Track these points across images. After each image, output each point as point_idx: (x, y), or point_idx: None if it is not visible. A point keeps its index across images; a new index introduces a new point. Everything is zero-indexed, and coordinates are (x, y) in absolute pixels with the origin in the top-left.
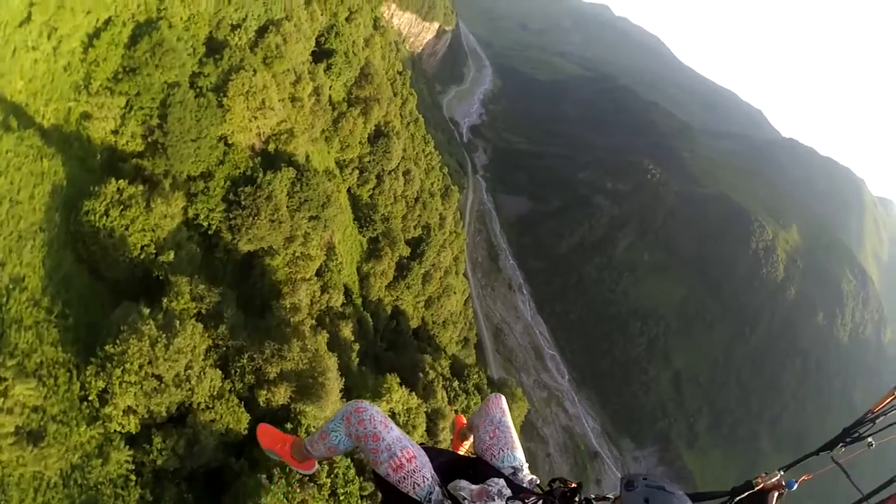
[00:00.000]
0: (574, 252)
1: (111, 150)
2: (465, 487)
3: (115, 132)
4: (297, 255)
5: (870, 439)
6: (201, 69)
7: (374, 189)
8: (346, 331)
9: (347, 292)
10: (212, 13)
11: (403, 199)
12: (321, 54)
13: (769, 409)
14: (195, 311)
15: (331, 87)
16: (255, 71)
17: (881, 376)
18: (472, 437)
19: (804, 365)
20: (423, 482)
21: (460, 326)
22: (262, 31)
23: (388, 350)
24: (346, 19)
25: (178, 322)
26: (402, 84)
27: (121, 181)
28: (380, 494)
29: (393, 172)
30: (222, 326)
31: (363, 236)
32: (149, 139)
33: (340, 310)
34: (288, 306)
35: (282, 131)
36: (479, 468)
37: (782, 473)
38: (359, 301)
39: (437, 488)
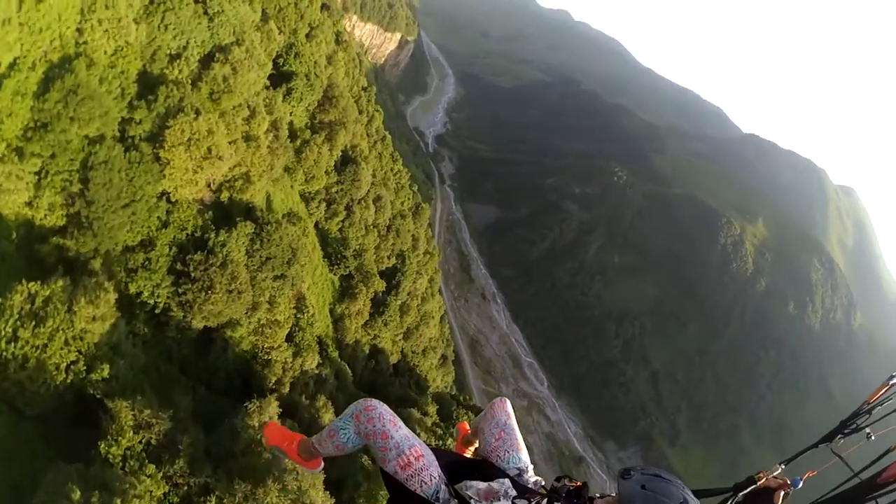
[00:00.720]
0: (545, 258)
1: (27, 227)
2: (472, 486)
3: (28, 204)
4: (262, 322)
5: (867, 430)
6: (132, 114)
7: (343, 221)
8: (322, 400)
9: (322, 345)
10: (144, 43)
11: (375, 229)
12: (280, 77)
13: (747, 401)
14: (142, 445)
15: (291, 113)
16: (197, 112)
17: (854, 360)
18: (476, 442)
19: (778, 355)
20: (431, 480)
21: (439, 351)
22: (207, 61)
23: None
24: (307, 36)
25: (122, 480)
26: (368, 101)
27: (32, 284)
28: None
29: (363, 201)
30: (179, 461)
31: (335, 274)
32: (70, 210)
33: (316, 371)
34: (256, 423)
35: (236, 177)
36: (485, 469)
37: (783, 467)
38: (335, 353)
39: (443, 487)
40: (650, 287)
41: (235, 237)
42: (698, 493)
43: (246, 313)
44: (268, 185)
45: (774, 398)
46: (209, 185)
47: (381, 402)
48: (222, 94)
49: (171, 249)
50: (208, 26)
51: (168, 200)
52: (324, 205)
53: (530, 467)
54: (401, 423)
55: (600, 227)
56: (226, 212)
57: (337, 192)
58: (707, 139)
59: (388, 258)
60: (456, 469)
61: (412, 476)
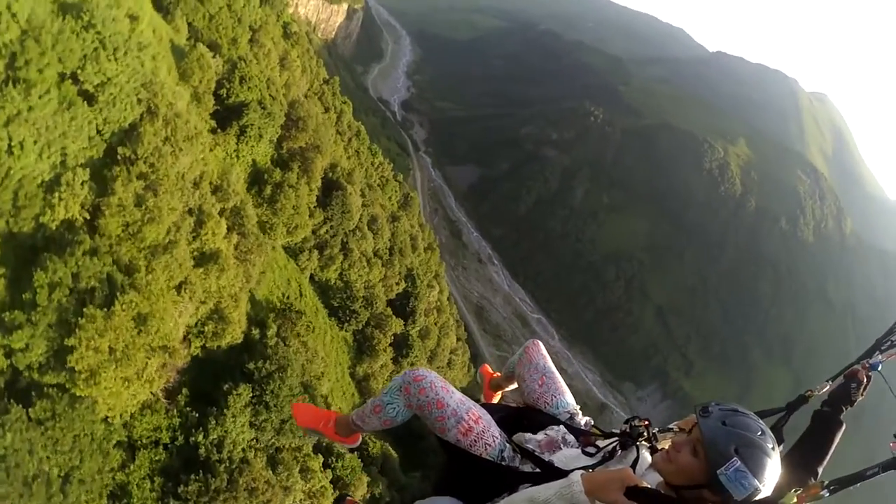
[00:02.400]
0: (534, 211)
1: None
2: (530, 439)
3: None
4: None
5: None
6: (9, 341)
7: (342, 264)
8: None
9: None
10: None
11: (378, 259)
12: (227, 114)
13: (752, 321)
14: None
15: (252, 160)
16: (109, 301)
17: (849, 267)
18: (507, 386)
19: (776, 272)
20: (494, 441)
21: (461, 350)
22: (101, 181)
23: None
24: (251, 42)
25: None
26: (332, 94)
27: None
28: (443, 466)
29: (357, 230)
30: None
31: (346, 331)
32: None
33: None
34: None
35: (203, 321)
36: (534, 418)
37: (829, 384)
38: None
39: (507, 445)
40: (642, 222)
41: (232, 426)
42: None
43: None
44: (247, 299)
45: (777, 314)
46: (164, 375)
47: (429, 369)
48: (142, 226)
49: (152, 484)
50: (90, 122)
51: (107, 423)
52: (315, 253)
53: (579, 409)
54: (453, 388)
55: (583, 169)
56: (207, 377)
57: (327, 231)
58: (672, 62)
59: (397, 283)
60: (507, 422)
61: (475, 441)
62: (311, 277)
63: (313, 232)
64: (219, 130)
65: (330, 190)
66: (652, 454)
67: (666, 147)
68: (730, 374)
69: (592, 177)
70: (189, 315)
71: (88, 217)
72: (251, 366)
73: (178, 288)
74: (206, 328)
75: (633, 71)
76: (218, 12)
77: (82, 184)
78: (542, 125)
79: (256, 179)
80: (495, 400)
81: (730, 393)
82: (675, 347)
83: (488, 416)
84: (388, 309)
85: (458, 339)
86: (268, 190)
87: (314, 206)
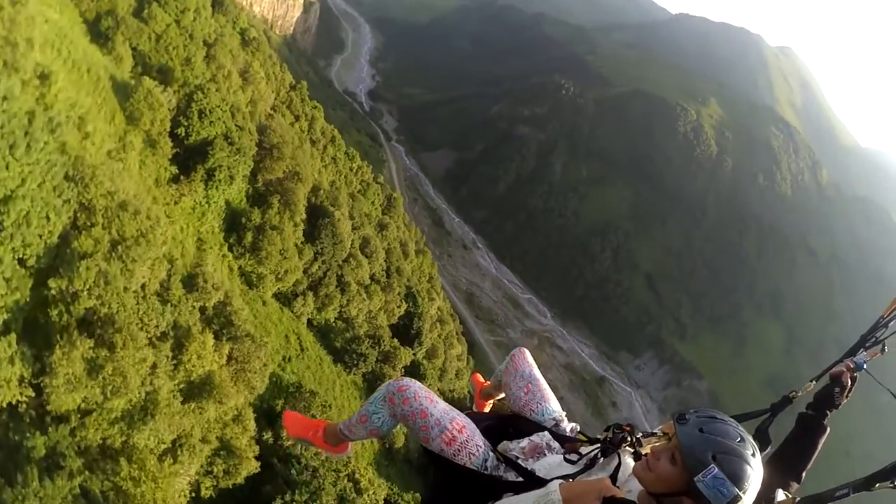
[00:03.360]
0: (513, 190)
1: None
2: (515, 446)
3: None
4: None
5: (883, 345)
6: None
7: (340, 300)
8: None
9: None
10: None
11: (377, 284)
12: (190, 156)
13: (740, 279)
14: None
15: (226, 202)
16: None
17: (828, 217)
18: (497, 395)
19: (759, 229)
20: (478, 450)
21: (464, 358)
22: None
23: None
24: (207, 59)
25: None
26: (301, 100)
27: None
28: (433, 479)
29: (351, 258)
30: None
31: (354, 374)
32: None
33: None
34: None
35: (215, 471)
36: (517, 424)
37: (814, 383)
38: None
39: (490, 454)
40: (623, 191)
41: None
42: (739, 418)
43: None
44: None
45: (764, 269)
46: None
47: (413, 380)
48: (104, 401)
49: None
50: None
51: None
52: (310, 295)
53: (564, 415)
54: (437, 398)
55: (560, 143)
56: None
57: (319, 267)
58: (637, 27)
59: (398, 306)
60: (491, 431)
61: (459, 450)
62: (309, 322)
63: (304, 271)
64: (182, 178)
65: (316, 218)
66: (636, 460)
67: (639, 114)
68: (723, 333)
69: (569, 150)
70: (191, 473)
71: (33, 395)
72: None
73: (172, 450)
74: (214, 468)
75: (598, 39)
76: (165, 31)
77: (11, 359)
78: (513, 103)
79: (233, 225)
80: (487, 409)
81: (724, 351)
82: (667, 313)
83: (472, 426)
84: (395, 340)
85: (457, 334)
86: (248, 237)
87: (302, 242)
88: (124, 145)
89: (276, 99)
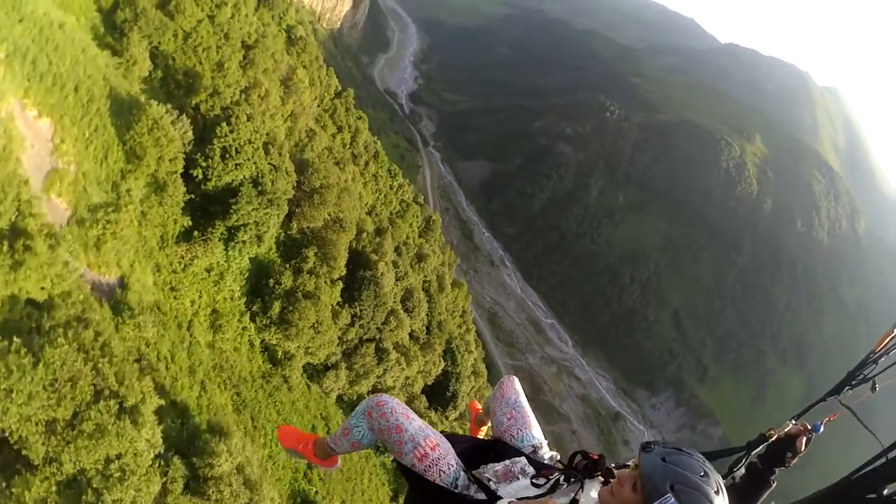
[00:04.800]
0: (548, 209)
1: None
2: (488, 469)
3: None
4: None
5: (874, 381)
6: None
7: (377, 370)
8: None
9: None
10: None
11: (416, 345)
12: (206, 203)
13: (768, 324)
14: None
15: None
16: None
17: (862, 267)
18: (489, 421)
19: (791, 274)
20: (449, 469)
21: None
22: None
23: None
24: (243, 63)
25: None
26: (346, 110)
27: None
28: (406, 485)
29: (392, 318)
30: None
31: (384, 456)
32: None
33: None
34: None
35: None
36: (499, 450)
37: (793, 422)
38: None
39: (462, 473)
40: (658, 222)
41: None
42: (714, 455)
43: None
44: None
45: (792, 317)
46: None
47: (392, 396)
48: None
49: None
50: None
51: None
52: (343, 368)
53: (544, 443)
54: (414, 415)
55: (599, 166)
56: None
57: (356, 333)
58: (685, 52)
59: (436, 364)
60: (472, 453)
61: (430, 466)
62: (339, 398)
63: (339, 338)
64: (196, 234)
65: (356, 268)
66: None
67: (683, 144)
68: (744, 378)
69: (608, 174)
70: None
71: None
72: None
73: None
74: None
75: (647, 61)
76: (195, 28)
77: None
78: (556, 119)
79: (258, 286)
80: (480, 434)
81: (743, 397)
82: (690, 352)
83: (447, 445)
84: (430, 412)
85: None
86: (276, 307)
87: (339, 304)
88: (119, 195)
89: (318, 106)
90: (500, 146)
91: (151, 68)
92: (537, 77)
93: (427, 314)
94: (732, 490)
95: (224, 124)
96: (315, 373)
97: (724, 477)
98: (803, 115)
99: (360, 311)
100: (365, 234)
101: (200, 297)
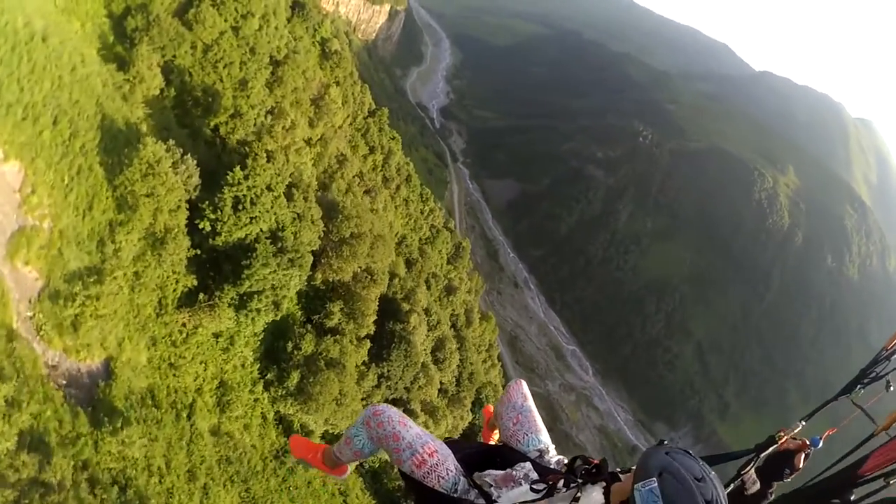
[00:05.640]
0: (575, 232)
1: None
2: (490, 474)
3: None
4: None
5: (888, 379)
6: None
7: None
8: None
9: None
10: None
11: (445, 400)
12: (216, 258)
13: (792, 363)
14: None
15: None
16: None
17: (891, 306)
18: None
19: (819, 311)
20: (447, 474)
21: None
22: None
23: None
24: (271, 82)
25: None
26: (379, 129)
27: None
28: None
29: (421, 374)
30: None
31: None
32: None
33: None
34: None
35: None
36: (506, 455)
37: (804, 424)
38: None
39: (462, 479)
40: (686, 251)
41: None
42: (723, 458)
43: None
44: None
45: (818, 356)
46: None
47: (390, 405)
48: None
49: None
50: None
51: None
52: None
53: (551, 447)
54: (411, 423)
55: (628, 191)
56: None
57: (383, 395)
58: (718, 78)
59: (463, 419)
60: (476, 459)
61: (428, 473)
62: (359, 466)
63: (363, 400)
64: (202, 297)
65: (384, 317)
66: (605, 495)
67: (715, 173)
68: (766, 416)
69: (637, 200)
70: None
71: None
72: None
73: None
74: None
75: (680, 86)
76: (217, 41)
77: None
78: (587, 142)
79: (274, 349)
80: (493, 439)
81: (764, 437)
82: (712, 388)
83: (446, 451)
84: None
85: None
86: (293, 378)
87: (365, 363)
88: (105, 257)
89: (351, 125)
90: (529, 166)
91: (164, 86)
92: (570, 98)
93: (458, 365)
94: (740, 496)
95: (238, 168)
96: (334, 439)
97: (732, 479)
98: (836, 147)
99: (388, 370)
100: (397, 280)
101: (205, 368)
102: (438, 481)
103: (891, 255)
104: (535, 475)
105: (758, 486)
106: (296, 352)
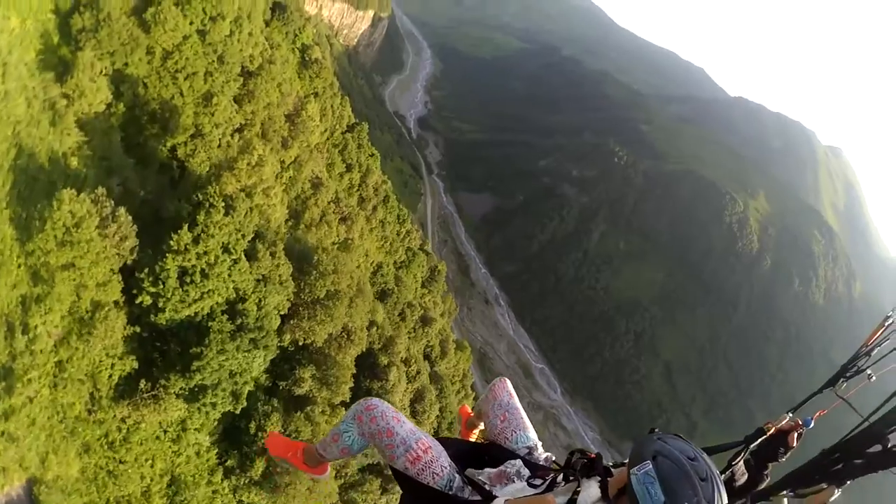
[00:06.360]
0: (547, 250)
1: None
2: (483, 472)
3: None
4: None
5: (869, 371)
6: None
7: (384, 490)
8: None
9: None
10: None
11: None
12: (159, 336)
13: (759, 384)
14: None
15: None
16: None
17: (855, 330)
18: (480, 424)
19: (785, 334)
20: (442, 471)
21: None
22: None
23: None
24: (240, 98)
25: None
26: (358, 145)
27: None
28: (399, 490)
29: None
30: None
31: None
32: None
33: None
34: None
35: None
36: (494, 452)
37: (790, 416)
38: None
39: (456, 476)
40: (657, 273)
41: None
42: (712, 450)
43: None
44: None
45: (783, 378)
46: None
47: (382, 400)
48: None
49: None
50: None
51: None
52: None
53: (539, 444)
54: (404, 419)
55: (602, 211)
56: None
57: (356, 472)
58: (694, 101)
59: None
60: (466, 456)
61: (423, 469)
62: None
63: (337, 473)
64: (143, 385)
65: (361, 373)
66: (602, 487)
67: (688, 196)
68: (732, 438)
69: (611, 220)
70: None
71: None
72: None
73: None
74: None
75: (657, 108)
76: (179, 47)
77: None
78: (562, 159)
79: (234, 432)
80: (472, 439)
81: (729, 455)
82: (679, 408)
83: (439, 448)
84: None
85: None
86: (258, 466)
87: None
88: (14, 350)
89: (328, 140)
90: (504, 181)
91: (111, 100)
92: (548, 114)
93: (437, 416)
94: (729, 487)
95: (185, 230)
96: None
97: (722, 471)
98: (806, 174)
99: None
100: (374, 329)
101: (153, 466)
102: (433, 478)
103: (856, 281)
104: (526, 472)
105: (746, 477)
106: (260, 434)
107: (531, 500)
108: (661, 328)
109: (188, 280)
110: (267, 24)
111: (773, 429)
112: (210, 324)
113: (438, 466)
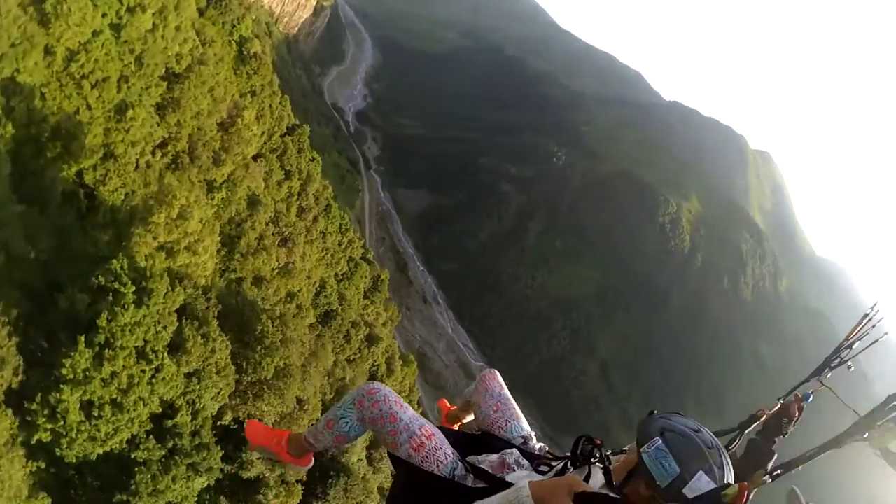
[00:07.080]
0: (485, 248)
1: None
2: (484, 460)
3: None
4: None
5: (849, 363)
6: None
7: None
8: None
9: None
10: None
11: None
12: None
13: (691, 378)
14: None
15: None
16: None
17: (781, 325)
18: (465, 418)
19: (715, 330)
20: (446, 459)
21: None
22: None
23: None
24: (162, 109)
25: None
26: (298, 150)
27: None
28: (396, 479)
29: (362, 492)
30: None
31: None
32: None
33: None
34: None
35: None
36: (488, 442)
37: (781, 402)
38: None
39: (459, 463)
40: (592, 271)
41: None
42: None
43: None
44: None
45: (713, 371)
46: None
47: (383, 384)
48: None
49: None
50: None
51: None
52: None
53: (533, 434)
54: (406, 405)
55: (540, 210)
56: None
57: None
58: (632, 105)
59: None
60: (459, 446)
61: (427, 457)
62: None
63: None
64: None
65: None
66: (605, 474)
67: (623, 197)
68: None
69: (548, 219)
70: None
71: None
72: None
73: None
74: None
75: (596, 110)
76: (87, 45)
77: None
78: (502, 157)
79: None
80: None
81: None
82: (616, 402)
83: (442, 436)
84: None
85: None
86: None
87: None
88: None
89: (266, 143)
90: (442, 177)
91: None
92: (488, 112)
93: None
94: (739, 466)
95: (81, 348)
96: None
97: None
98: (737, 177)
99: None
100: (328, 379)
101: None
102: (437, 466)
103: (782, 278)
104: (524, 461)
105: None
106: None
107: (560, 481)
108: (597, 325)
109: (96, 414)
110: (201, 13)
111: (766, 415)
112: (134, 454)
113: (442, 454)
